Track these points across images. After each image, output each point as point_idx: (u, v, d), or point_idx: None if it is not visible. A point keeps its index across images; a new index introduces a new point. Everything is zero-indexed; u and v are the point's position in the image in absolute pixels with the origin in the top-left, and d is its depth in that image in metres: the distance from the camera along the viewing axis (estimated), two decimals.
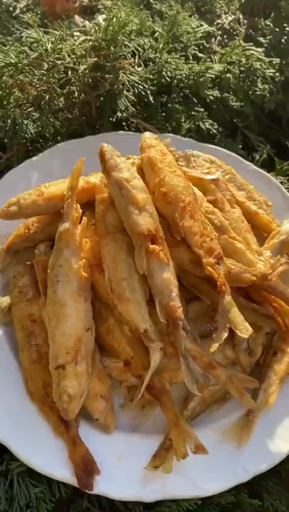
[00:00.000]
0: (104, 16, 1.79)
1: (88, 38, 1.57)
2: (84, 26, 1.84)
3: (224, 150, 1.48)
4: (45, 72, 1.43)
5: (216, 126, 1.64)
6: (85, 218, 1.08)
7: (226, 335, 0.96)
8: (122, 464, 1.01)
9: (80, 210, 1.08)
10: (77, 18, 1.91)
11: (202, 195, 1.18)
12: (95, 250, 1.09)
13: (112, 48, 1.46)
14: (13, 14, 1.90)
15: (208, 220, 1.11)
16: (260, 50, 1.76)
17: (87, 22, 1.90)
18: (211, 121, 1.65)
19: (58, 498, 1.00)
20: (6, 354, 1.12)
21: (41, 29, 1.54)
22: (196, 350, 1.00)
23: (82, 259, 1.04)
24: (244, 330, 0.96)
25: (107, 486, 0.98)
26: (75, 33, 1.69)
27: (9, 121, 1.43)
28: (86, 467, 0.98)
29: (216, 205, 1.19)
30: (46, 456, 0.99)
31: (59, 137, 1.51)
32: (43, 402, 1.03)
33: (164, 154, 1.15)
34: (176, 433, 0.98)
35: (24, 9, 1.97)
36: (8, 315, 1.16)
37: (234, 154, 1.48)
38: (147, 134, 1.22)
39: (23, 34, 1.58)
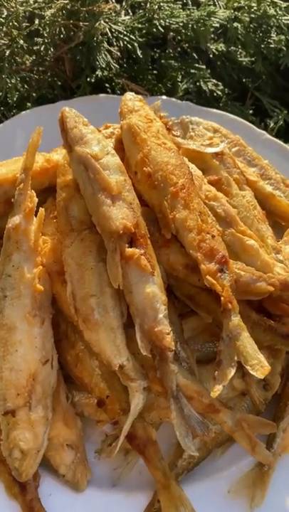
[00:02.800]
0: None
1: None
2: None
3: (231, 115, 1.25)
4: (3, 21, 1.14)
5: (220, 87, 1.40)
6: (42, 210, 0.82)
7: (232, 372, 0.71)
8: None
9: (36, 199, 0.83)
10: None
11: (201, 175, 0.93)
12: (57, 253, 0.84)
13: None
14: None
15: (210, 209, 0.87)
16: None
17: None
18: (214, 80, 1.40)
19: None
20: None
21: None
22: (192, 389, 0.77)
23: (39, 265, 0.82)
24: (258, 366, 0.70)
25: None
26: None
27: None
28: None
29: (220, 187, 0.95)
30: None
31: (27, 103, 1.27)
32: None
33: (149, 121, 0.89)
34: (165, 499, 0.78)
35: None
36: None
37: (243, 121, 1.25)
38: (129, 94, 0.98)
39: None
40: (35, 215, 0.83)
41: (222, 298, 0.74)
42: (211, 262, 0.76)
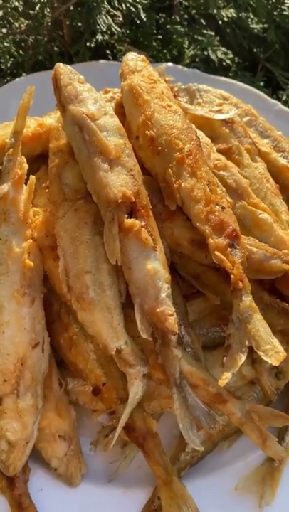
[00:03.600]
0: None
1: None
2: None
3: (241, 84, 1.18)
4: None
5: (230, 56, 1.32)
6: (33, 177, 0.75)
7: (243, 358, 0.64)
8: None
9: (26, 166, 0.76)
10: None
11: (210, 143, 0.86)
12: (50, 226, 0.77)
13: None
14: None
15: (219, 179, 0.78)
16: None
17: None
18: (224, 49, 1.33)
19: None
20: None
21: None
22: (197, 376, 0.70)
23: (29, 239, 0.75)
24: (271, 352, 0.62)
25: None
26: None
27: None
28: None
29: (231, 156, 0.87)
30: None
31: (21, 69, 1.20)
32: None
33: (153, 82, 0.81)
34: (166, 496, 0.72)
35: None
36: None
37: (255, 90, 1.18)
38: (130, 54, 0.89)
39: None
40: (26, 184, 0.75)
41: (232, 276, 0.66)
42: (220, 236, 0.68)
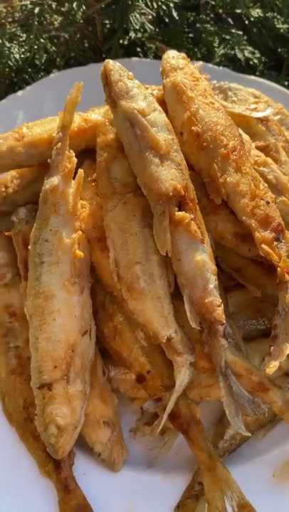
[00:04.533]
0: None
1: None
2: None
3: (271, 83, 1.19)
4: None
5: (257, 55, 1.32)
6: (81, 171, 0.77)
7: None
8: None
9: (75, 160, 0.78)
10: None
11: (249, 140, 0.87)
12: (96, 218, 0.79)
13: None
14: None
15: (260, 175, 0.80)
16: None
17: None
18: (251, 48, 1.33)
19: None
20: None
21: None
22: (241, 365, 0.72)
23: (78, 230, 0.77)
24: None
25: None
26: None
27: None
28: None
29: (269, 153, 0.89)
30: (27, 504, 0.76)
31: (55, 65, 1.21)
32: (25, 429, 0.80)
33: (195, 79, 0.83)
34: (210, 481, 0.73)
35: None
36: None
37: (284, 89, 1.20)
38: (171, 52, 0.92)
39: None
40: (74, 177, 0.77)
41: (278, 269, 0.68)
42: (266, 229, 0.70)
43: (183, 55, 0.89)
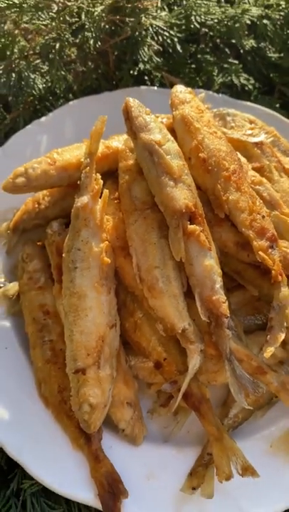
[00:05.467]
0: None
1: None
2: None
3: (264, 109, 1.30)
4: (54, 16, 1.21)
5: (252, 81, 1.44)
6: (106, 191, 0.90)
7: (283, 336, 0.79)
8: (152, 483, 0.88)
9: (101, 181, 0.91)
10: None
11: (247, 162, 0.99)
12: (119, 230, 0.92)
13: None
14: None
15: (256, 193, 0.93)
16: None
17: None
18: (246, 75, 1.45)
19: None
20: (15, 351, 0.98)
21: None
22: (242, 352, 0.84)
23: (104, 241, 0.89)
24: None
25: (137, 509, 0.85)
26: None
27: (14, 75, 1.22)
28: (111, 488, 0.84)
29: (263, 173, 1.02)
30: (64, 473, 0.87)
31: (71, 94, 1.34)
32: (60, 410, 0.91)
33: (200, 111, 0.96)
34: (218, 449, 0.84)
35: None
36: (16, 304, 1.01)
37: (277, 114, 1.30)
38: (179, 87, 1.04)
39: None
40: (100, 196, 0.90)
41: (273, 271, 0.82)
42: (262, 239, 0.84)
43: (189, 89, 1.03)
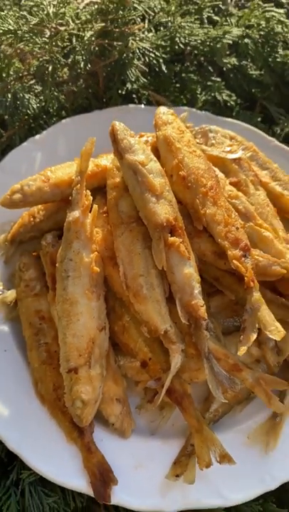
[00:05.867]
0: None
1: (94, 0, 1.43)
2: None
3: (244, 124, 1.37)
4: (47, 40, 1.30)
5: (233, 98, 1.53)
6: (95, 206, 0.98)
7: (254, 336, 0.88)
8: (140, 472, 0.95)
9: (91, 197, 0.99)
10: None
11: (224, 177, 1.08)
12: (108, 241, 1.00)
13: (120, 11, 1.32)
14: None
15: (232, 206, 1.01)
16: (281, 11, 1.60)
17: None
18: (228, 91, 1.53)
19: (72, 508, 0.95)
20: (13, 353, 1.05)
21: None
22: (220, 352, 0.92)
23: (94, 251, 0.97)
24: (275, 331, 0.87)
25: (125, 496, 0.92)
26: None
27: (9, 95, 1.31)
28: (102, 476, 0.91)
29: (240, 187, 1.09)
30: (59, 464, 0.94)
31: (64, 112, 1.41)
32: (55, 406, 0.97)
33: (181, 132, 1.04)
34: (199, 440, 0.91)
35: None
36: (14, 310, 1.08)
37: (255, 129, 1.37)
38: (162, 108, 1.11)
39: None
40: (90, 211, 0.98)
41: (246, 278, 0.90)
42: (236, 249, 0.92)
43: (171, 111, 1.11)
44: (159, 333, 0.90)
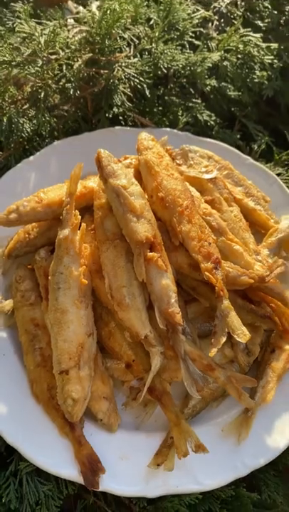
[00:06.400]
0: (97, 3, 1.75)
1: (82, 28, 1.55)
2: (78, 12, 1.80)
3: (222, 144, 1.47)
4: (39, 70, 1.41)
5: (213, 118, 1.63)
6: (84, 225, 1.09)
7: (224, 339, 0.99)
8: (125, 462, 1.04)
9: (79, 217, 1.09)
10: (71, 4, 1.87)
11: (200, 196, 1.19)
12: (95, 256, 1.10)
13: (106, 41, 1.44)
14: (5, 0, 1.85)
15: (206, 222, 1.12)
16: (257, 35, 1.72)
17: (80, 8, 1.86)
18: (208, 112, 1.64)
19: (65, 495, 1.05)
20: (11, 357, 1.15)
21: (34, 20, 1.51)
22: (195, 353, 1.03)
23: (82, 265, 1.06)
24: (241, 335, 0.99)
25: (112, 483, 1.02)
26: (68, 20, 1.67)
27: (5, 119, 1.41)
28: (91, 466, 1.02)
29: (214, 205, 1.20)
30: (53, 456, 1.02)
31: (56, 132, 1.51)
32: (49, 404, 1.06)
33: (160, 157, 1.15)
34: (177, 432, 1.02)
35: None
36: (11, 318, 1.18)
37: (232, 148, 1.47)
38: (144, 134, 1.22)
39: (15, 25, 1.55)
40: (78, 229, 1.10)
41: (216, 288, 1.01)
42: (208, 262, 1.03)
43: (152, 137, 1.21)
44: (140, 337, 1.01)
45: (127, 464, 1.04)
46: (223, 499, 1.06)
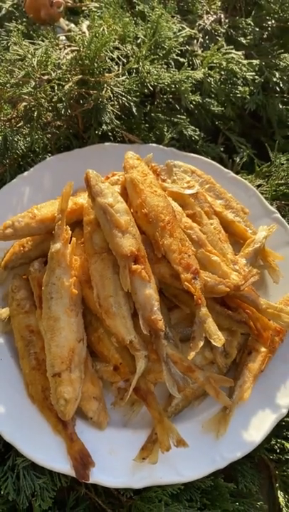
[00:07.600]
0: (88, 22, 1.84)
1: (73, 48, 1.64)
2: (69, 30, 1.89)
3: (204, 158, 1.55)
4: (32, 91, 1.50)
5: (198, 132, 1.71)
6: (74, 239, 1.18)
7: (202, 344, 1.08)
8: (114, 456, 1.12)
9: (70, 232, 1.18)
10: (62, 21, 1.96)
11: (181, 211, 1.27)
12: (85, 267, 1.18)
13: (95, 63, 1.53)
14: None
15: (187, 235, 1.20)
16: (239, 53, 1.81)
17: (72, 25, 1.96)
18: (193, 127, 1.72)
19: (59, 487, 1.14)
20: (7, 361, 1.23)
21: (27, 40, 1.60)
22: (176, 356, 1.12)
23: (73, 276, 1.13)
24: (217, 339, 1.08)
25: (101, 475, 1.11)
26: (60, 37, 1.76)
27: (0, 137, 1.50)
28: (82, 460, 1.11)
29: (195, 219, 1.28)
30: (47, 451, 1.10)
31: (49, 149, 1.59)
32: (43, 405, 1.13)
33: (145, 175, 1.24)
34: (160, 429, 1.10)
35: (10, 8, 2.02)
36: (8, 325, 1.27)
37: (214, 162, 1.54)
38: (130, 154, 1.31)
39: (9, 44, 1.64)
40: (69, 242, 1.19)
41: (195, 296, 1.11)
42: (187, 272, 1.12)
43: (137, 156, 1.29)
44: (126, 342, 1.10)
45: (115, 458, 1.11)
46: (203, 489, 1.15)
